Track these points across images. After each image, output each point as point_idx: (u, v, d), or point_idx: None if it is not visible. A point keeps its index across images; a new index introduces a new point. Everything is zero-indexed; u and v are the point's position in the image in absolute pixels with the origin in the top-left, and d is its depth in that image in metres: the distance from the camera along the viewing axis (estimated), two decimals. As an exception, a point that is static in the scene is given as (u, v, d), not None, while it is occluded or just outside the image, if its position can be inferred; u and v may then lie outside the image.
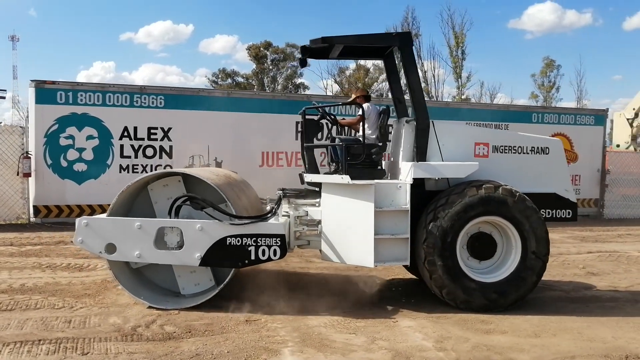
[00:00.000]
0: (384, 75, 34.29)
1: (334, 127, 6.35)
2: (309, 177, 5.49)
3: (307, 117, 5.60)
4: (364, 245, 4.99)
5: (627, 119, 17.13)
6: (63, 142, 10.14)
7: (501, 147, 5.55)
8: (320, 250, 5.32)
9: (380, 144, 5.62)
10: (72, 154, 10.20)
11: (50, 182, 10.09)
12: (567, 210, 5.68)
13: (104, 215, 5.13)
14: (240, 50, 61.03)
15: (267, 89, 37.04)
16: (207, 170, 5.89)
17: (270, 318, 4.83)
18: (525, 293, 5.18)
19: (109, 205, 10.10)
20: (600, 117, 13.84)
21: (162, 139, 10.64)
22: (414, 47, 5.36)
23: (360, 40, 5.42)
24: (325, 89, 34.50)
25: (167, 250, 4.96)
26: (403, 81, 6.19)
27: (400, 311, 5.15)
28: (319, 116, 5.76)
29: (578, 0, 57.49)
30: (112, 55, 69.64)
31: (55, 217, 10.15)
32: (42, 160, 10.06)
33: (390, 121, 5.95)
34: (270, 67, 38.86)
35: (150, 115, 10.53)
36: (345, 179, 5.03)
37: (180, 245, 4.95)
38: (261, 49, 38.28)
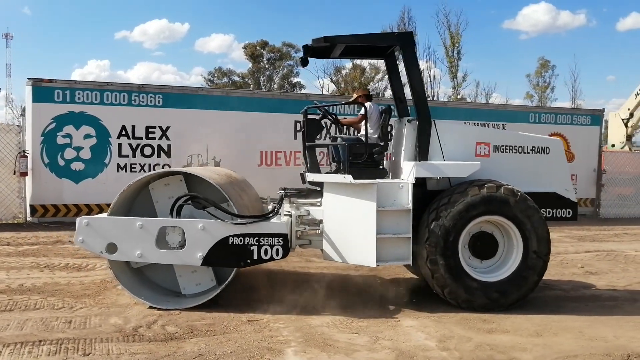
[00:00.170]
0: (379, 75, 34.35)
1: (335, 127, 6.34)
2: (311, 177, 5.48)
3: (308, 116, 5.58)
4: (366, 245, 4.99)
5: (622, 119, 17.21)
6: (60, 140, 10.07)
7: (502, 147, 5.56)
8: (322, 250, 5.32)
9: (382, 143, 5.62)
10: (69, 153, 10.13)
11: (48, 181, 10.01)
12: (568, 210, 5.71)
13: (104, 215, 5.09)
14: (236, 49, 61.08)
15: (263, 88, 36.98)
16: (209, 170, 5.86)
17: (273, 318, 4.82)
18: (526, 292, 5.20)
19: (106, 204, 10.07)
20: (596, 117, 13.92)
21: (160, 138, 10.59)
22: (415, 47, 5.36)
23: (362, 39, 5.42)
24: (322, 88, 34.49)
25: (168, 250, 4.93)
26: (404, 80, 6.21)
27: (402, 311, 5.15)
28: (320, 115, 5.75)
29: (572, 1, 57.87)
30: (107, 53, 69.28)
31: (52, 217, 10.07)
32: (39, 159, 9.98)
33: (391, 120, 5.95)
34: (267, 66, 38.80)
35: (148, 114, 10.47)
36: (348, 178, 5.03)
37: (182, 245, 4.92)
38: (257, 48, 38.21)
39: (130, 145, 10.43)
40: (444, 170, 5.26)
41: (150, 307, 4.94)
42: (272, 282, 6.02)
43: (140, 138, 10.48)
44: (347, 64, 34.80)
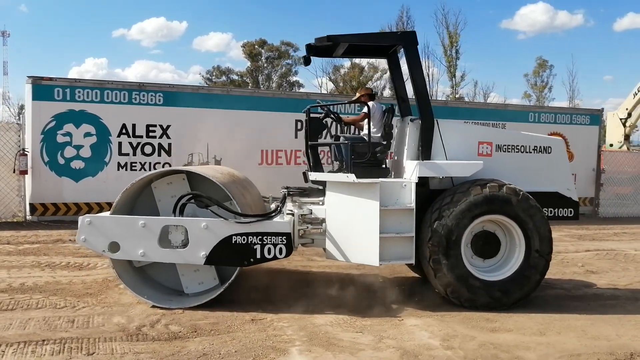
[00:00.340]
0: (378, 74, 34.37)
1: (338, 126, 6.33)
2: (314, 176, 5.47)
3: (311, 115, 5.57)
4: (369, 244, 4.99)
5: (620, 119, 17.26)
6: (60, 139, 10.03)
7: (504, 146, 5.57)
8: (324, 249, 5.32)
9: (385, 142, 5.62)
10: (69, 151, 10.10)
11: (47, 179, 9.97)
12: (569, 209, 5.73)
13: (107, 214, 5.07)
14: (235, 48, 60.97)
15: (261, 86, 36.93)
16: (212, 168, 5.86)
17: (276, 317, 4.81)
18: (529, 291, 5.21)
19: (106, 203, 10.09)
20: (595, 116, 13.96)
21: (160, 137, 10.55)
22: (418, 47, 5.35)
23: (365, 38, 5.42)
24: (320, 87, 34.48)
25: (171, 249, 4.92)
26: (405, 79, 6.21)
27: (405, 309, 5.16)
28: (323, 114, 5.74)
29: (570, 1, 57.98)
30: (105, 51, 69.00)
31: (52, 215, 10.04)
32: (39, 158, 9.94)
33: (394, 120, 5.95)
34: (265, 65, 38.75)
35: (148, 113, 10.44)
36: (351, 177, 5.02)
37: (184, 244, 4.92)
38: (256, 46, 38.15)
39: (130, 143, 10.40)
40: (446, 169, 5.26)
41: (153, 307, 4.93)
42: (274, 281, 6.01)
43: (141, 137, 10.45)
44: (346, 62, 34.82)
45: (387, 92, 30.60)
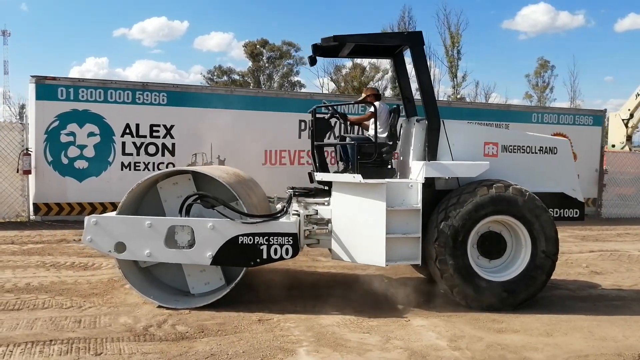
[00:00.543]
0: (379, 74, 34.34)
1: (342, 126, 6.33)
2: (320, 176, 5.47)
3: (317, 115, 5.57)
4: (375, 244, 4.99)
5: (622, 120, 17.27)
6: (64, 138, 10.03)
7: (510, 147, 5.57)
8: (330, 249, 5.32)
9: (391, 143, 5.61)
10: (73, 151, 10.09)
11: (51, 179, 9.97)
12: (575, 210, 5.74)
13: (113, 214, 5.07)
14: (236, 48, 60.97)
15: (263, 86, 36.93)
16: (218, 169, 5.85)
17: (283, 317, 4.81)
18: (535, 292, 5.21)
19: (110, 203, 10.10)
20: (598, 117, 13.95)
21: (164, 137, 10.55)
22: (424, 47, 5.35)
23: (372, 39, 5.42)
24: (322, 87, 34.48)
25: (177, 249, 4.92)
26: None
27: (412, 310, 5.16)
28: (329, 115, 5.74)
29: (571, 1, 57.90)
30: (106, 51, 69.05)
31: (55, 215, 10.04)
32: (43, 157, 9.94)
33: (399, 120, 5.94)
34: (267, 65, 38.74)
35: (152, 113, 10.43)
36: (357, 177, 5.02)
37: (191, 244, 4.91)
38: (257, 46, 38.14)
39: (134, 143, 10.40)
40: (453, 170, 5.26)
41: (160, 307, 4.93)
42: (279, 282, 6.01)
43: (145, 136, 10.44)
44: (347, 63, 34.79)
45: (388, 93, 30.57)
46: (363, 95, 6.11)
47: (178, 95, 10.66)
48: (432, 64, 30.45)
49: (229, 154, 10.74)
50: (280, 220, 5.02)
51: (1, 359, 3.82)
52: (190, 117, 10.63)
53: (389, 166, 5.65)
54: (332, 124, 6.26)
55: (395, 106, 5.86)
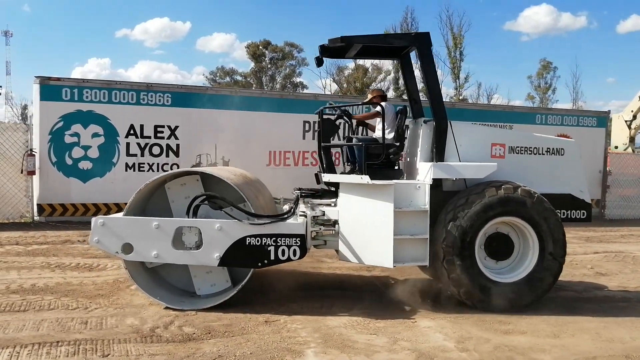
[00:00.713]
0: (382, 75, 34.37)
1: (349, 127, 6.32)
2: (327, 177, 5.46)
3: (324, 116, 5.56)
4: (383, 246, 4.98)
5: (626, 121, 17.24)
6: (68, 139, 10.04)
7: (517, 148, 5.56)
8: (337, 251, 5.30)
9: (398, 144, 5.61)
10: (77, 152, 10.10)
11: (55, 180, 9.98)
12: (582, 211, 5.73)
13: (120, 215, 5.06)
14: (238, 49, 60.79)
15: (265, 87, 36.96)
16: (225, 170, 5.85)
17: (290, 319, 4.80)
18: (541, 294, 5.20)
19: (114, 204, 10.09)
20: (602, 118, 13.93)
21: (168, 137, 10.55)
22: (432, 48, 5.34)
23: (379, 40, 5.42)
24: (324, 88, 34.51)
25: (185, 250, 4.91)
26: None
27: (418, 311, 5.14)
28: (336, 115, 5.73)
29: (573, 3, 57.96)
30: (108, 52, 69.13)
31: (59, 216, 10.04)
32: (47, 158, 9.95)
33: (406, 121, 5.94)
34: (269, 66, 38.76)
35: (156, 113, 10.44)
36: (365, 178, 5.01)
37: (198, 245, 4.91)
38: (260, 47, 38.18)
39: (138, 144, 10.39)
40: (461, 171, 5.25)
41: (167, 308, 4.92)
42: (285, 283, 6.00)
43: (149, 137, 10.44)
44: (350, 64, 34.83)
45: (390, 94, 30.57)
46: (369, 96, 6.11)
47: (182, 96, 10.66)
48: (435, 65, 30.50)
49: (234, 155, 10.74)
50: (288, 221, 5.01)
51: (9, 360, 3.82)
52: (194, 118, 10.63)
53: (396, 167, 5.64)
54: (339, 125, 6.24)
55: (402, 107, 5.85)
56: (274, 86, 37.91)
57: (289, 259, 4.92)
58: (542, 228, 5.11)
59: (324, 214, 5.27)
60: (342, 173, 5.61)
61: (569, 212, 5.66)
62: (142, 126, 10.39)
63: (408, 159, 5.93)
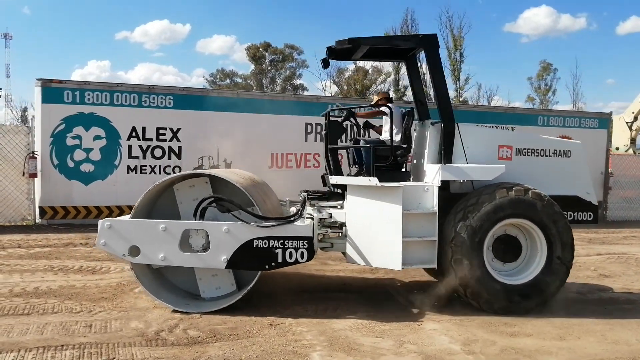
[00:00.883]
0: (382, 77, 34.39)
1: (355, 130, 6.31)
2: (334, 179, 5.44)
3: (331, 118, 5.55)
4: (391, 248, 4.96)
5: (627, 123, 17.27)
6: (70, 142, 10.02)
7: (524, 150, 5.55)
8: (344, 253, 5.28)
9: (405, 146, 5.59)
10: (79, 155, 10.07)
11: (57, 182, 9.95)
12: (589, 213, 5.72)
13: (127, 217, 5.04)
14: (238, 51, 60.80)
15: (265, 89, 36.96)
16: (233, 172, 5.82)
17: (295, 322, 4.78)
18: (548, 297, 5.17)
19: (116, 206, 10.05)
20: (604, 120, 13.94)
21: (170, 140, 10.53)
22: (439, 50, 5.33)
23: (386, 41, 5.43)
24: (324, 90, 34.53)
25: (192, 253, 4.89)
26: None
27: (424, 314, 5.12)
28: (342, 118, 5.72)
29: (573, 4, 58.09)
30: (108, 54, 69.18)
31: (61, 219, 10.00)
32: (49, 161, 9.92)
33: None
34: (269, 68, 38.78)
35: (158, 116, 10.42)
36: (373, 181, 4.99)
37: (205, 248, 4.88)
38: (260, 49, 38.20)
39: (140, 147, 10.37)
40: (469, 173, 5.23)
41: (174, 311, 4.88)
42: (290, 286, 5.98)
43: (151, 140, 10.42)
44: (350, 66, 34.85)
45: (391, 95, 30.61)
46: (375, 99, 6.10)
47: (184, 99, 10.64)
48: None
49: (236, 157, 10.72)
50: (295, 223, 4.98)
51: (14, 365, 3.79)
52: (196, 120, 10.61)
53: (404, 169, 5.63)
54: (345, 127, 6.23)
55: (408, 109, 5.84)
56: (274, 88, 37.92)
57: (296, 262, 4.89)
58: (551, 231, 5.09)
59: (331, 217, 5.25)
60: (348, 175, 5.59)
61: (575, 213, 5.65)
62: (144, 128, 10.35)
63: (415, 161, 5.92)
